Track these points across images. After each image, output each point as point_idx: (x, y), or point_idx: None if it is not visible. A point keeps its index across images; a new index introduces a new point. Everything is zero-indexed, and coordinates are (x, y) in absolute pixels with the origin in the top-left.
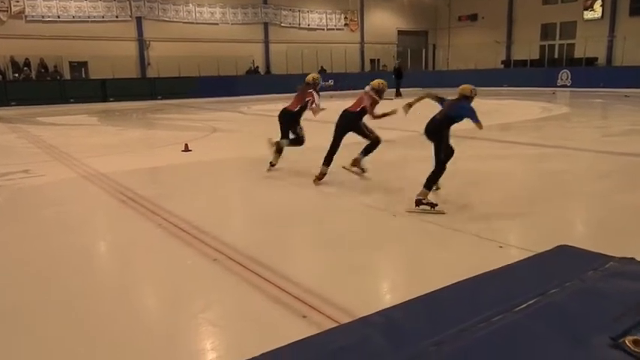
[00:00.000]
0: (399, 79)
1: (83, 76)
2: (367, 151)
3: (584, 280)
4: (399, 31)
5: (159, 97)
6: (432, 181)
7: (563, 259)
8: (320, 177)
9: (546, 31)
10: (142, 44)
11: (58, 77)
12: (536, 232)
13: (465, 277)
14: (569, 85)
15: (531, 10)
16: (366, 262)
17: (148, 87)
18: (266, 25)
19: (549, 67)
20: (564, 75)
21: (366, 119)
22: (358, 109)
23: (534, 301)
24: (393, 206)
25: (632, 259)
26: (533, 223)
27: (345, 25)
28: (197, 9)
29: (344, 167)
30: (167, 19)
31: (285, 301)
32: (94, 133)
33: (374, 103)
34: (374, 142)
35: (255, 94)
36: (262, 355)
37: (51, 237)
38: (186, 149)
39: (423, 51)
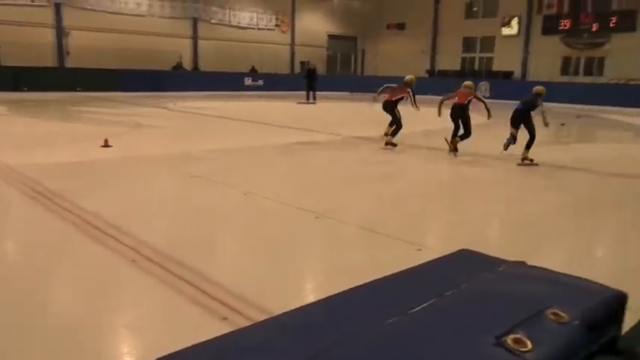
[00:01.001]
0: (312, 82)
1: None
2: (462, 137)
3: (477, 283)
4: (329, 35)
5: (79, 89)
6: (530, 146)
7: (461, 263)
8: (452, 148)
9: (468, 43)
10: (61, 32)
11: None
12: (453, 235)
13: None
14: (488, 96)
15: (454, 23)
16: (288, 263)
17: (67, 78)
18: (195, 20)
19: (470, 78)
20: (484, 87)
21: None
22: (466, 102)
23: (429, 304)
24: (316, 207)
25: (523, 262)
26: (451, 226)
27: (276, 25)
28: None
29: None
30: (89, 7)
31: (206, 303)
32: (3, 124)
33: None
34: (468, 133)
35: (182, 90)
36: (164, 357)
37: None
38: (106, 145)
39: (352, 56)
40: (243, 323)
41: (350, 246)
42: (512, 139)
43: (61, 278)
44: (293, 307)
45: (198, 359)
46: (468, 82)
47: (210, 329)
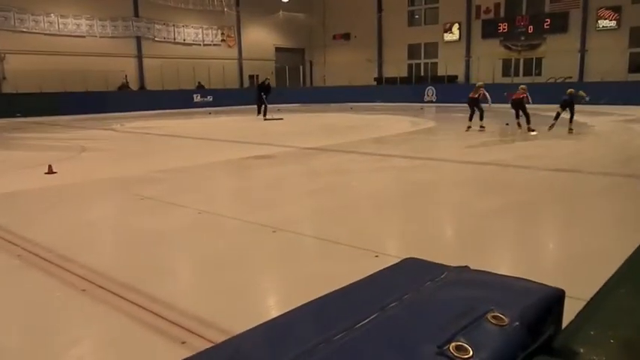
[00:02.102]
0: (265, 96)
1: None
2: (527, 121)
3: (421, 292)
4: (276, 47)
5: (18, 115)
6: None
7: (407, 272)
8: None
9: (412, 50)
10: None
11: None
12: (410, 239)
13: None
14: (434, 100)
15: (398, 32)
16: (248, 280)
17: (5, 103)
18: (138, 39)
19: (417, 84)
20: (430, 91)
21: None
22: (522, 96)
23: (374, 316)
24: (272, 221)
25: (466, 267)
26: (407, 230)
27: (222, 40)
28: (60, 20)
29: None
30: (25, 29)
31: (163, 328)
32: None
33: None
34: (528, 116)
35: (129, 110)
36: None
37: None
38: (50, 171)
39: (301, 68)
40: (203, 346)
41: (310, 258)
42: (557, 116)
43: (7, 314)
44: (251, 327)
45: None
46: (522, 86)
47: (170, 355)
